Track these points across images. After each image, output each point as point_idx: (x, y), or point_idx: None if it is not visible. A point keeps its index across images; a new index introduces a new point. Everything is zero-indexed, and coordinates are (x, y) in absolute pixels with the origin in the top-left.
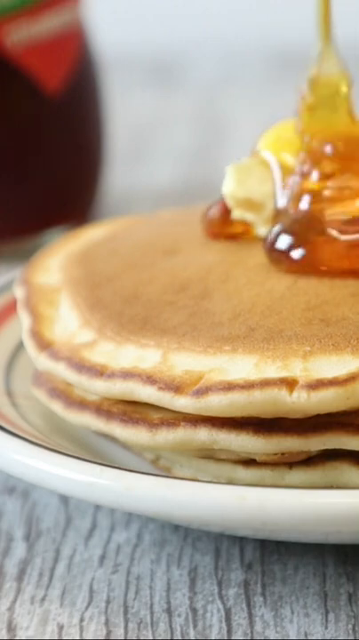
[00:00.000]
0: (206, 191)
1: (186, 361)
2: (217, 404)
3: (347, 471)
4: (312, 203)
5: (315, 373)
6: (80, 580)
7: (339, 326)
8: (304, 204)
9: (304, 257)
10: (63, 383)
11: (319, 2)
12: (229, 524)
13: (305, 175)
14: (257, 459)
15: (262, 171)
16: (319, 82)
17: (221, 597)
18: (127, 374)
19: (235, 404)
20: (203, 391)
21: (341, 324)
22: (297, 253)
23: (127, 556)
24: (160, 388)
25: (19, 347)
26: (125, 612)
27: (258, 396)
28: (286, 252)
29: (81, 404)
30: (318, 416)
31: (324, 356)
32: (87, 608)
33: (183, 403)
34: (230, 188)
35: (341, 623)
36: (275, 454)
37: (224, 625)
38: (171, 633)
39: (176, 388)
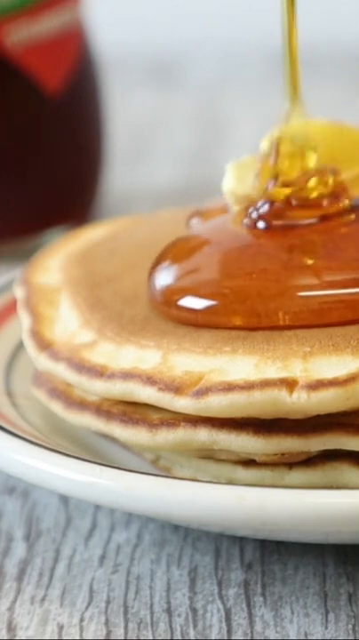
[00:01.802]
0: (206, 191)
1: (186, 362)
2: (217, 404)
3: (347, 471)
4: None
5: (315, 374)
6: (80, 579)
7: (338, 327)
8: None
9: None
10: (63, 383)
11: (287, 63)
12: (229, 524)
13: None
14: (257, 459)
15: None
16: (284, 142)
17: (221, 597)
18: (127, 375)
19: (235, 405)
20: (203, 392)
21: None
22: (200, 303)
23: (127, 556)
24: (160, 389)
25: (20, 347)
26: (125, 612)
27: (258, 396)
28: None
29: (81, 405)
30: (318, 416)
31: (324, 356)
32: (87, 608)
33: (183, 403)
34: (230, 184)
35: (341, 623)
36: (275, 455)
37: (224, 625)
38: (171, 633)
39: (176, 388)
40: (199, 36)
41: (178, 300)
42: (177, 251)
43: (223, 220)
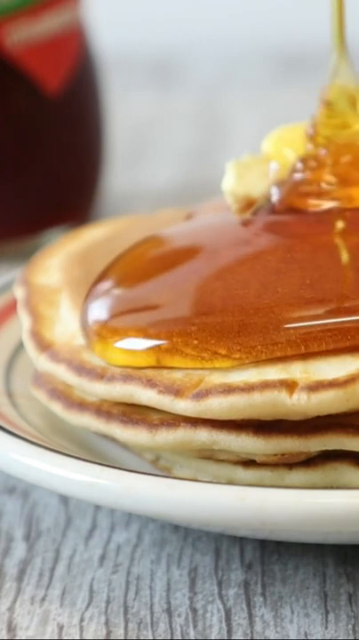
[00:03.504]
0: (206, 191)
1: None
2: (217, 406)
3: (347, 472)
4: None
5: (315, 375)
6: (80, 579)
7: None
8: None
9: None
10: (63, 384)
11: (334, 13)
12: (229, 524)
13: None
14: (257, 459)
15: (262, 167)
16: (333, 93)
17: (221, 597)
18: (127, 377)
19: (236, 407)
20: (204, 394)
21: None
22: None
23: (127, 556)
24: (160, 392)
25: (20, 347)
26: (125, 612)
27: (258, 398)
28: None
29: (81, 405)
30: (318, 417)
31: (324, 357)
32: (87, 608)
33: (183, 406)
34: (230, 183)
35: (341, 623)
36: (275, 455)
37: (224, 625)
38: (171, 633)
39: (176, 391)
40: (199, 37)
41: (117, 341)
42: (125, 267)
43: (201, 222)
